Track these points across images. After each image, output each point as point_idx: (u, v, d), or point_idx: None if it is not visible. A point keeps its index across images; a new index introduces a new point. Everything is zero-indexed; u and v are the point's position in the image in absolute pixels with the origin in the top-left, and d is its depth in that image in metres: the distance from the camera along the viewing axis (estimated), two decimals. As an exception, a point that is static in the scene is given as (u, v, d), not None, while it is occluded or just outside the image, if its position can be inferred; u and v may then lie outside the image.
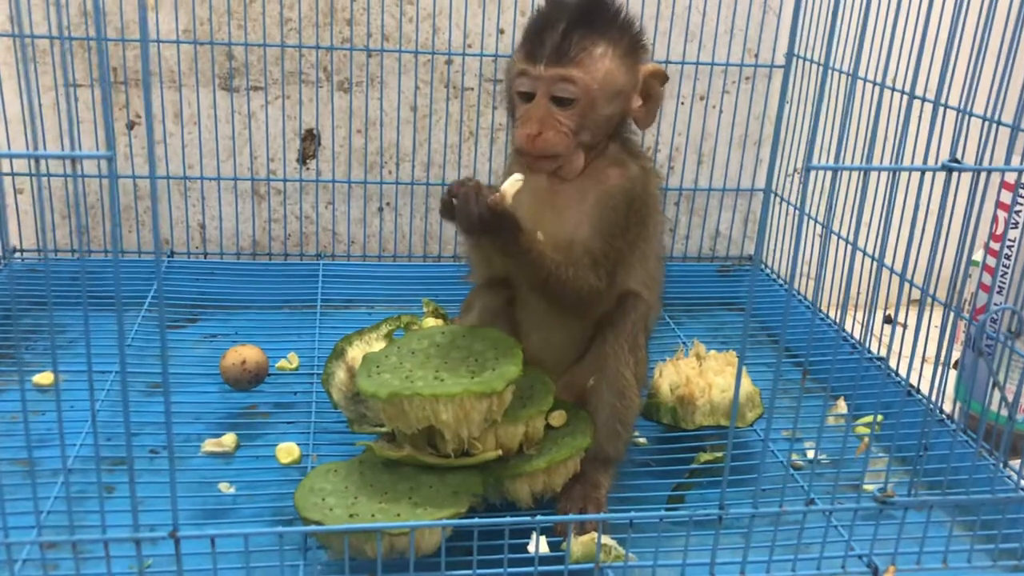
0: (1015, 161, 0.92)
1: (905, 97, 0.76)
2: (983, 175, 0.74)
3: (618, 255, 0.88)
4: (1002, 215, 0.99)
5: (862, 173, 0.70)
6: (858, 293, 1.42)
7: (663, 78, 0.89)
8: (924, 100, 0.91)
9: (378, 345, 0.94)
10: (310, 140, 1.42)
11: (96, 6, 0.55)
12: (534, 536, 0.78)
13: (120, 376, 0.64)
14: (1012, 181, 0.98)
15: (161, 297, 0.62)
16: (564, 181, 0.88)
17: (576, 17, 0.84)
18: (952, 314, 0.81)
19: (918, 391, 1.06)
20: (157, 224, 0.59)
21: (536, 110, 0.84)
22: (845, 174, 0.76)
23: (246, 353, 1.03)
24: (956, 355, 1.15)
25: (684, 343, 1.26)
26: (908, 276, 0.77)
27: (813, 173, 1.34)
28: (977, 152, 0.84)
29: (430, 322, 0.94)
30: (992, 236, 1.00)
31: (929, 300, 0.78)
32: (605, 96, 0.85)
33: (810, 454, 1.03)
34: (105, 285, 1.25)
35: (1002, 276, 0.99)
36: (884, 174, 0.74)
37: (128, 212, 1.40)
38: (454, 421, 0.78)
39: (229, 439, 0.97)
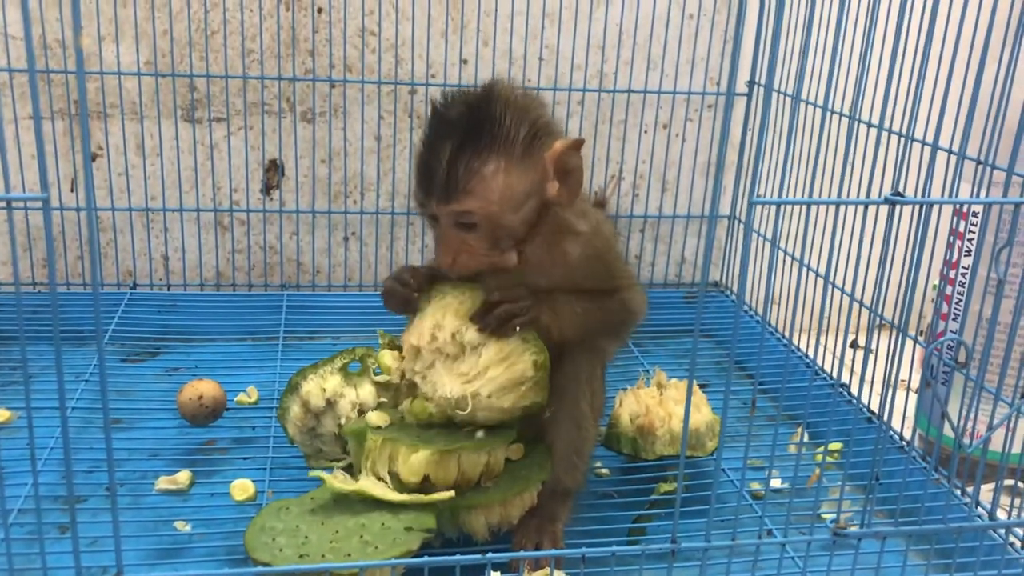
0: (963, 188, 0.93)
1: (863, 127, 0.77)
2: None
3: (629, 276, 0.91)
4: (956, 243, 1.00)
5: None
6: (829, 317, 1.42)
7: (577, 147, 0.82)
8: (869, 125, 0.91)
9: (333, 379, 0.93)
10: (274, 170, 1.41)
11: (27, 37, 0.54)
12: (487, 573, 0.77)
13: (60, 412, 0.63)
14: (964, 208, 0.99)
15: (99, 330, 0.62)
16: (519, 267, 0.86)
17: (460, 139, 0.79)
18: (901, 340, 0.81)
19: (879, 418, 1.06)
20: (96, 257, 0.59)
21: (446, 240, 0.83)
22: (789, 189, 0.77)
23: (203, 388, 1.02)
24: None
25: (647, 371, 1.26)
26: (858, 297, 0.77)
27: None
28: (925, 181, 0.84)
29: (386, 355, 0.93)
30: (946, 263, 1.01)
31: (888, 325, 0.78)
32: (509, 209, 0.81)
33: (773, 483, 1.03)
34: (61, 320, 1.24)
35: (957, 303, 1.00)
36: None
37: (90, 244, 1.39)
38: None
39: (183, 476, 0.96)
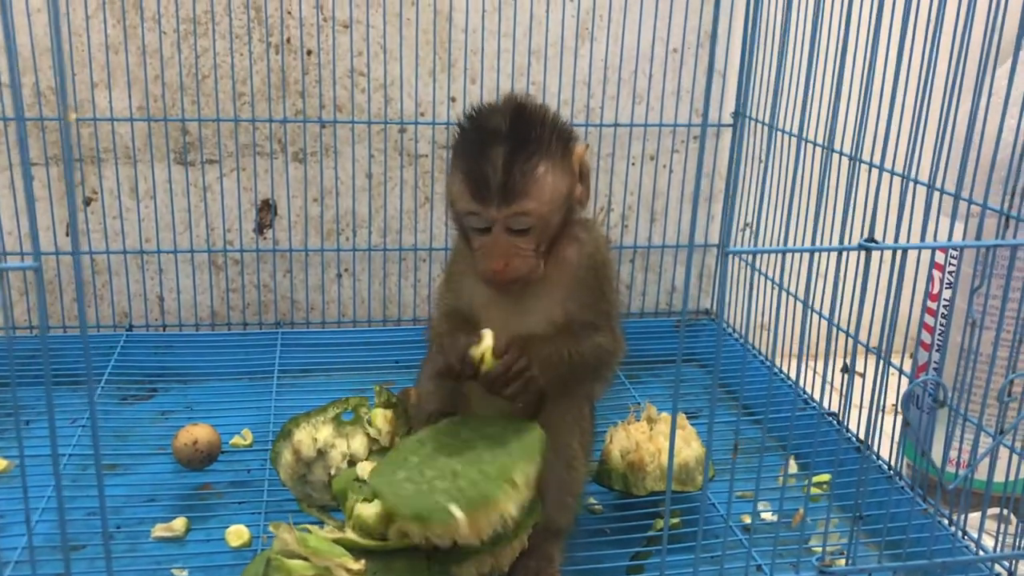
0: (943, 223, 0.94)
1: (841, 161, 0.78)
2: (904, 234, 0.77)
3: (610, 314, 0.90)
4: (937, 275, 1.01)
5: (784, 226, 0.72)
6: (818, 345, 1.43)
7: (586, 151, 0.89)
8: (851, 158, 0.92)
9: (325, 428, 0.94)
10: (267, 210, 1.43)
11: (13, 87, 0.56)
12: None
13: (52, 459, 0.64)
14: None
15: (90, 377, 0.63)
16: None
17: (512, 143, 0.82)
18: (885, 369, 0.82)
19: (866, 447, 1.07)
20: (82, 302, 0.60)
21: (498, 246, 0.84)
22: (770, 218, 0.78)
23: (198, 433, 1.03)
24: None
25: (638, 403, 1.27)
26: (843, 326, 0.78)
27: (752, 228, 1.37)
28: (899, 218, 0.85)
29: (379, 415, 0.94)
30: (929, 296, 1.02)
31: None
32: (557, 208, 0.85)
33: (764, 516, 1.04)
34: (57, 364, 1.25)
35: (939, 335, 1.01)
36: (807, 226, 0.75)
37: (86, 287, 1.41)
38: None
39: (179, 523, 0.97)
